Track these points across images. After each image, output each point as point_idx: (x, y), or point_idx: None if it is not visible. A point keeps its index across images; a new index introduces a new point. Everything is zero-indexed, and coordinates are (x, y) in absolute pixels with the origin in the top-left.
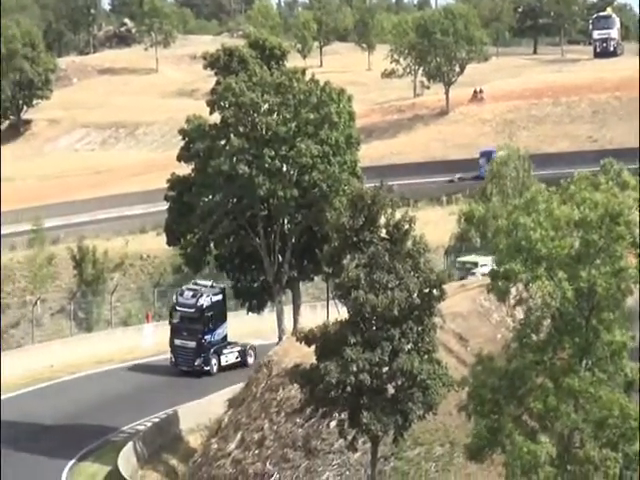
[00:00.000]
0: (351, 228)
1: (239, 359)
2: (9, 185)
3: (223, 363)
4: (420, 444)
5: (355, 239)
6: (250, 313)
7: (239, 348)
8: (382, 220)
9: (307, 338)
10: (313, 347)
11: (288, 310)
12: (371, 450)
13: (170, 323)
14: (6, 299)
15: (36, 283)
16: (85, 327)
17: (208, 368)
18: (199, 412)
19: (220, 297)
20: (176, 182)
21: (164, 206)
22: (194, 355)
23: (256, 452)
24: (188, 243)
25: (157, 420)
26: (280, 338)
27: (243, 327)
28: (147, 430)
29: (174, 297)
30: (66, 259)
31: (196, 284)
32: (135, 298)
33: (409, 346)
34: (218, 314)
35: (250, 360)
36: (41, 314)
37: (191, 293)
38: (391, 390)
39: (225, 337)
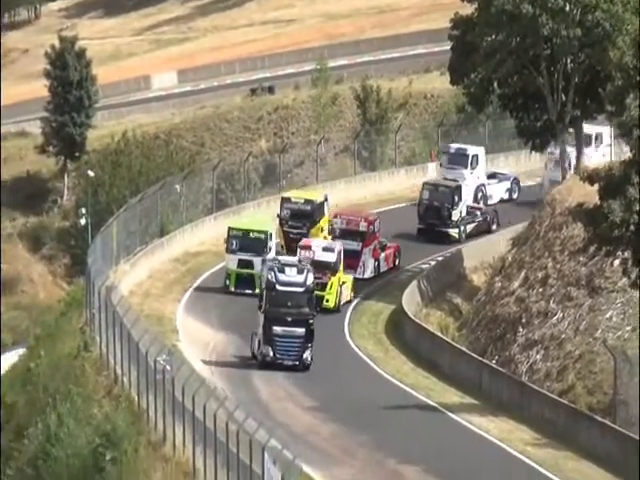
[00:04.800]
0: (634, 67)
1: None
2: (292, 25)
3: None
4: None
5: (638, 78)
6: (533, 152)
7: None
8: None
9: (591, 177)
10: (596, 186)
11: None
12: None
13: (261, 307)
14: (290, 138)
15: (320, 122)
16: (369, 166)
17: (310, 362)
18: (483, 250)
19: None
20: (459, 21)
21: (448, 45)
22: (302, 345)
23: (539, 290)
24: (471, 82)
25: (441, 259)
26: (563, 177)
27: (526, 166)
28: (431, 269)
29: (268, 274)
30: (350, 99)
31: (277, 260)
32: (419, 137)
33: None
34: None
35: None
36: (325, 153)
37: (295, 269)
38: None
39: None
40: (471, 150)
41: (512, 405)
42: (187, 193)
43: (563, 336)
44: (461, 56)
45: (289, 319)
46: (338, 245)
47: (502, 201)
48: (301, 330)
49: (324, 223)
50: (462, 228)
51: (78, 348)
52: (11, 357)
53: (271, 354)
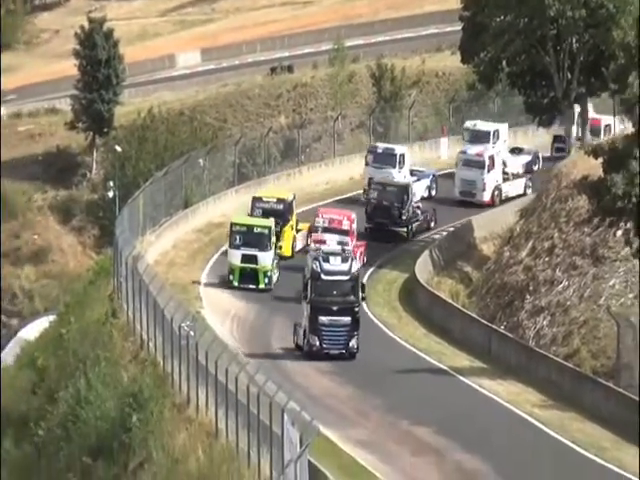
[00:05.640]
0: (637, 47)
1: None
2: (310, 7)
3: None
4: None
5: None
6: (540, 127)
7: None
8: None
9: (595, 151)
10: (600, 160)
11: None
12: None
13: (306, 297)
14: (308, 115)
15: (337, 99)
16: (383, 141)
17: (356, 351)
18: (492, 221)
19: None
20: (470, 3)
21: (459, 26)
22: (348, 334)
23: (546, 259)
24: (481, 61)
25: (452, 229)
26: (569, 151)
27: (533, 140)
28: (443, 238)
29: (313, 263)
30: (365, 77)
31: (320, 249)
32: (431, 113)
33: None
34: None
35: None
36: (342, 129)
37: (339, 258)
38: None
39: None
40: (398, 150)
41: (520, 369)
42: (210, 167)
43: (568, 303)
44: (471, 36)
45: (335, 308)
46: (350, 240)
47: (422, 199)
48: (347, 319)
49: (293, 221)
50: (410, 227)
51: (106, 315)
52: (42, 323)
53: (317, 344)
